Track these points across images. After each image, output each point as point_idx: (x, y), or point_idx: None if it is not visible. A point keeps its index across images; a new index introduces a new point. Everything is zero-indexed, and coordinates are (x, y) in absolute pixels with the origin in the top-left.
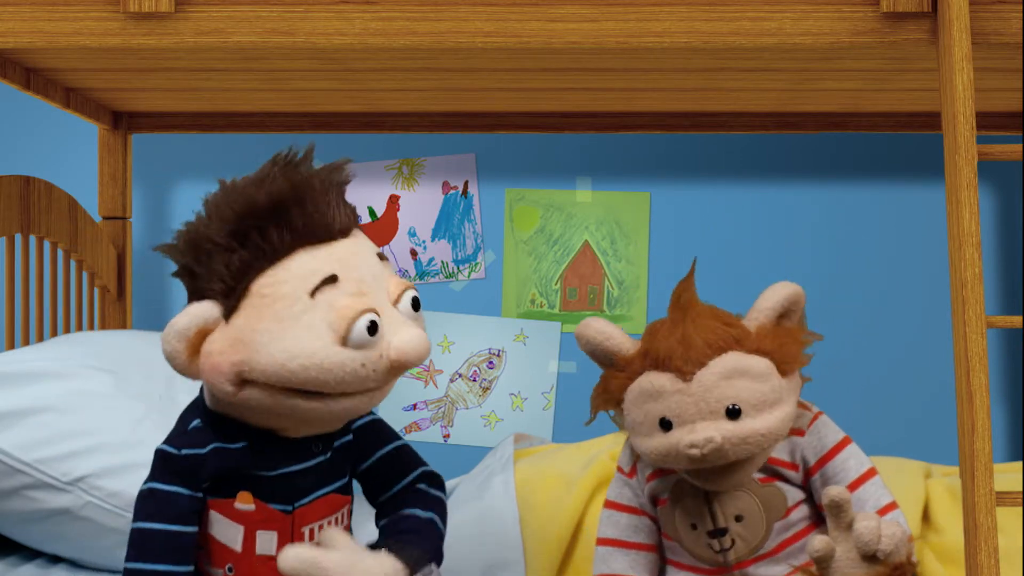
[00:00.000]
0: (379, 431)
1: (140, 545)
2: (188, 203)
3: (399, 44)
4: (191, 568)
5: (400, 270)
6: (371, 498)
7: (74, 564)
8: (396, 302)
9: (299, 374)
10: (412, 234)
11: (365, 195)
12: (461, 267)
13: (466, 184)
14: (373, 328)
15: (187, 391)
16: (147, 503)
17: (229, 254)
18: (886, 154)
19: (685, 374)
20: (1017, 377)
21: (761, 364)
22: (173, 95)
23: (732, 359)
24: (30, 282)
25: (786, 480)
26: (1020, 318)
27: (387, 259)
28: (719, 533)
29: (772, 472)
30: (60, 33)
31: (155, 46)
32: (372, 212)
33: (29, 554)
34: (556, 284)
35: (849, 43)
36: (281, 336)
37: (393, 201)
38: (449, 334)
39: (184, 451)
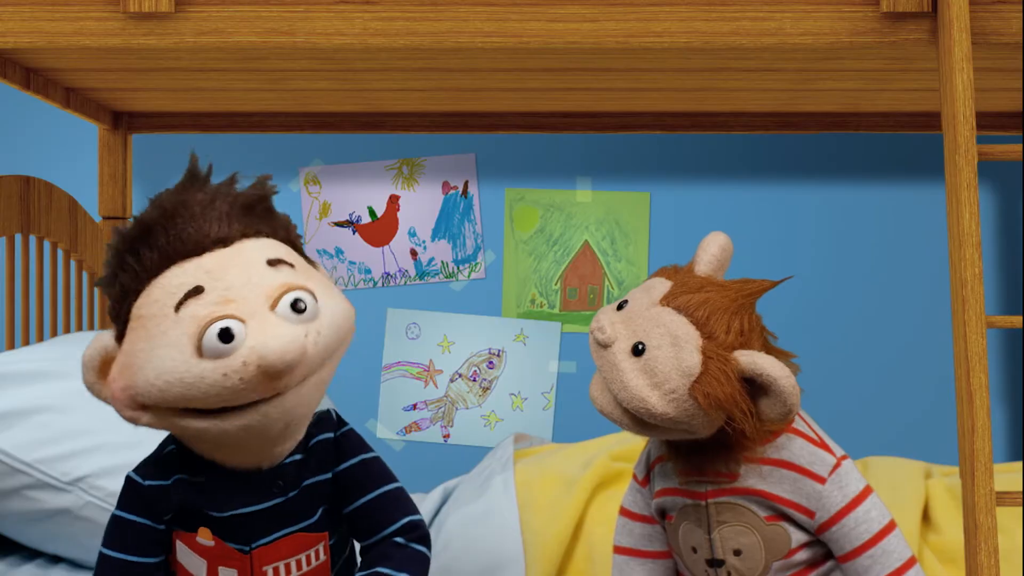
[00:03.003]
0: (365, 476)
1: (100, 570)
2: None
3: (399, 44)
4: None
5: (400, 270)
6: (357, 540)
7: (74, 564)
8: (274, 306)
9: (168, 392)
10: (412, 234)
11: (365, 195)
12: (461, 267)
13: (466, 184)
14: (226, 335)
15: None
16: (110, 530)
17: (113, 280)
18: (886, 154)
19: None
20: (1017, 377)
21: (692, 360)
22: (173, 95)
23: (689, 332)
24: (30, 282)
25: (794, 522)
26: (1020, 318)
27: (288, 264)
28: (716, 564)
29: (780, 513)
30: (60, 33)
31: (155, 46)
32: (372, 212)
33: (29, 554)
34: (556, 284)
35: (849, 43)
36: (150, 355)
37: (393, 201)
38: (449, 334)
39: (147, 482)
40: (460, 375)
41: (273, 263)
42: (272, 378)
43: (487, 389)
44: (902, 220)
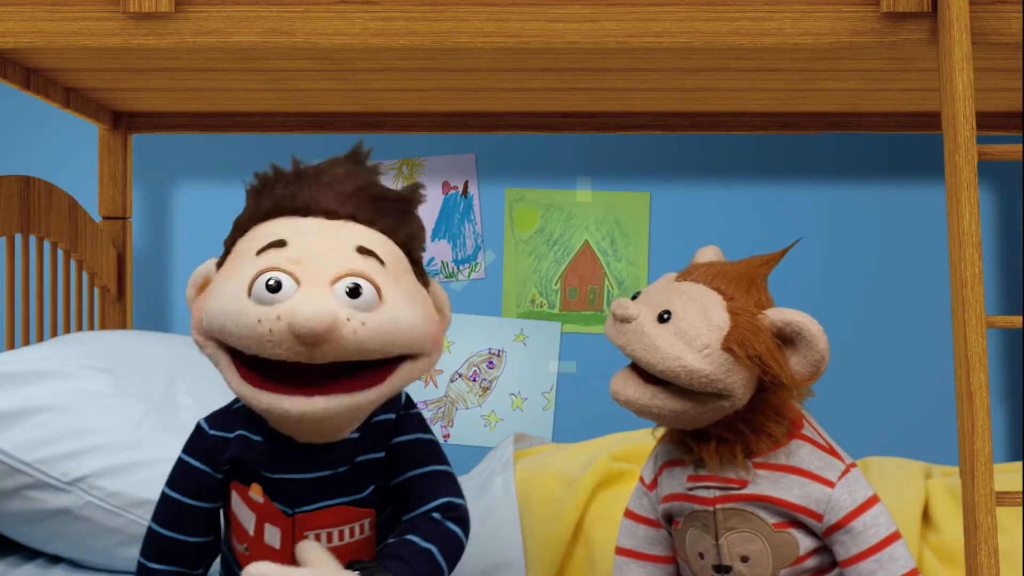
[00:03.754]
0: (415, 452)
1: (160, 509)
2: (188, 203)
3: (399, 44)
4: (203, 539)
5: None
6: (401, 516)
7: (74, 564)
8: (335, 282)
9: (215, 323)
10: None
11: None
12: (461, 267)
13: (466, 184)
14: (276, 287)
15: (187, 391)
16: (175, 471)
17: (239, 218)
18: (886, 154)
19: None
20: (1017, 377)
21: (720, 316)
22: (173, 95)
23: (712, 295)
24: (30, 282)
25: (804, 527)
26: (1020, 318)
27: (377, 258)
28: (723, 570)
29: (790, 519)
30: (60, 33)
31: (155, 46)
32: None
33: (29, 554)
34: (556, 284)
35: (849, 43)
36: (223, 286)
37: None
38: (449, 334)
39: (212, 432)
40: (460, 375)
41: (363, 251)
42: (299, 340)
43: (487, 389)
44: (902, 220)
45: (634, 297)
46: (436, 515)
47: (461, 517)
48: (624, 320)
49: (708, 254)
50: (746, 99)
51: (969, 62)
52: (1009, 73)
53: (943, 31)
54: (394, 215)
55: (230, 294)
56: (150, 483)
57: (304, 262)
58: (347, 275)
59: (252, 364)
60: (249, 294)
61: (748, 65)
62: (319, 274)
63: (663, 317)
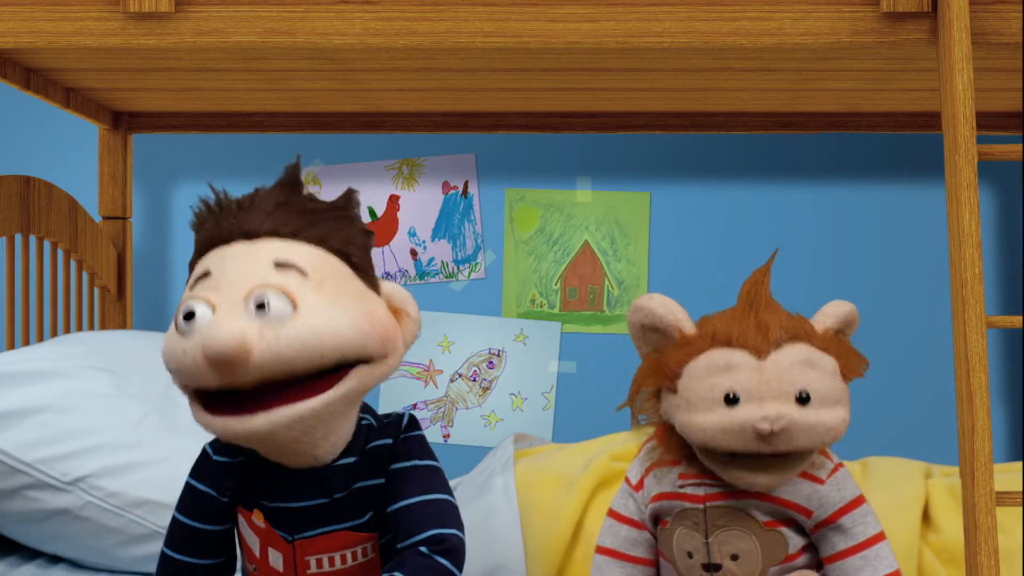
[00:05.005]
0: (409, 481)
1: (171, 533)
2: (188, 203)
3: (399, 44)
4: (215, 560)
5: (400, 270)
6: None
7: (74, 564)
8: (246, 300)
9: (165, 366)
10: (412, 234)
11: (365, 195)
12: (461, 267)
13: (466, 184)
14: (189, 316)
15: None
16: (183, 495)
17: (190, 260)
18: (886, 154)
19: (760, 352)
20: (1017, 377)
21: (830, 362)
22: (173, 95)
23: (806, 349)
24: (30, 282)
25: (795, 525)
26: (1020, 318)
27: (298, 268)
28: (713, 568)
29: (781, 516)
30: (60, 33)
31: (155, 46)
32: (372, 212)
33: (29, 554)
34: (556, 284)
35: (849, 43)
36: (168, 331)
37: (393, 201)
38: (449, 334)
39: (216, 456)
40: (460, 375)
41: (280, 265)
42: (216, 365)
43: (487, 389)
44: (902, 220)
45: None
46: (424, 549)
47: (450, 549)
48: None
49: (839, 312)
50: (746, 99)
51: (969, 62)
52: (1009, 73)
53: (943, 31)
54: (324, 223)
55: (168, 335)
56: (150, 483)
57: (221, 288)
58: (257, 289)
59: (211, 395)
60: (177, 329)
61: (748, 65)
62: (232, 296)
63: (802, 399)
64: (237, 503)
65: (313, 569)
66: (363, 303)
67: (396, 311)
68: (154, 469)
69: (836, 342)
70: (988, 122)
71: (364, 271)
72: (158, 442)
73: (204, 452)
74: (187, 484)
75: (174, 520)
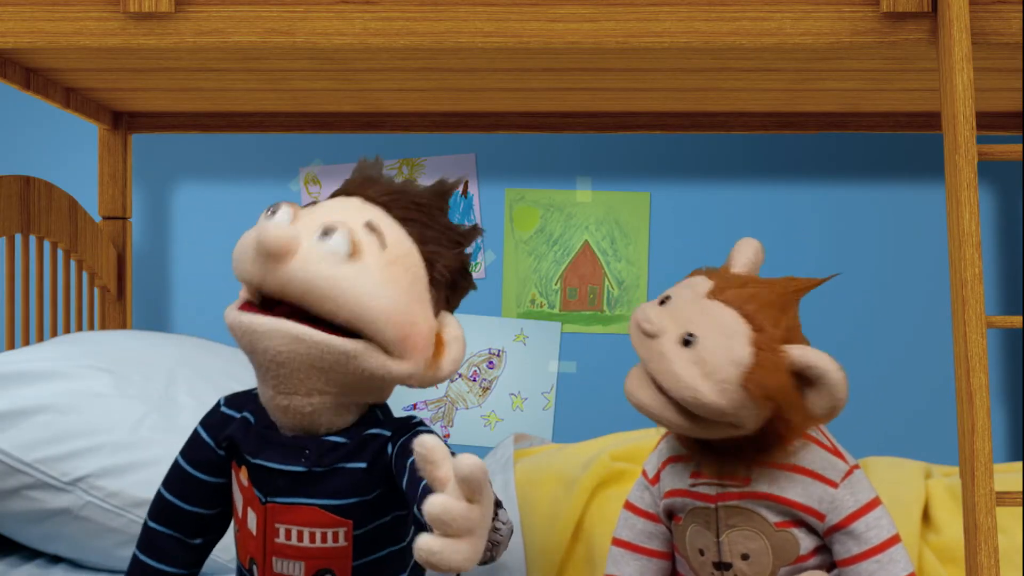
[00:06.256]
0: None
1: (169, 473)
2: (188, 203)
3: (399, 44)
4: (203, 511)
5: None
6: (380, 533)
7: (74, 564)
8: (319, 229)
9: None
10: None
11: None
12: None
13: (466, 184)
14: (272, 212)
15: (187, 391)
16: (188, 440)
17: None
18: (886, 154)
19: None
20: (1017, 377)
21: (743, 352)
22: (173, 95)
23: (739, 325)
24: (30, 282)
25: (807, 526)
26: (1020, 318)
27: (381, 237)
28: (723, 567)
29: (793, 517)
30: (60, 33)
31: (155, 46)
32: None
33: (29, 554)
34: (556, 284)
35: (849, 43)
36: None
37: None
38: None
39: (224, 408)
40: (460, 375)
41: (371, 227)
42: (259, 251)
43: (487, 389)
44: (902, 220)
45: (662, 302)
46: None
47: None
48: (647, 335)
49: (747, 251)
50: (746, 99)
51: (969, 62)
52: (1009, 73)
53: (943, 31)
54: (433, 231)
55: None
56: (150, 483)
57: (314, 213)
58: (333, 224)
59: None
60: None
61: (748, 65)
62: (314, 220)
63: (687, 340)
64: (232, 458)
65: (281, 538)
66: (412, 303)
67: (439, 340)
68: (154, 469)
69: (779, 373)
70: (988, 122)
71: (438, 289)
72: (158, 442)
73: (217, 404)
74: (195, 430)
75: (175, 461)
